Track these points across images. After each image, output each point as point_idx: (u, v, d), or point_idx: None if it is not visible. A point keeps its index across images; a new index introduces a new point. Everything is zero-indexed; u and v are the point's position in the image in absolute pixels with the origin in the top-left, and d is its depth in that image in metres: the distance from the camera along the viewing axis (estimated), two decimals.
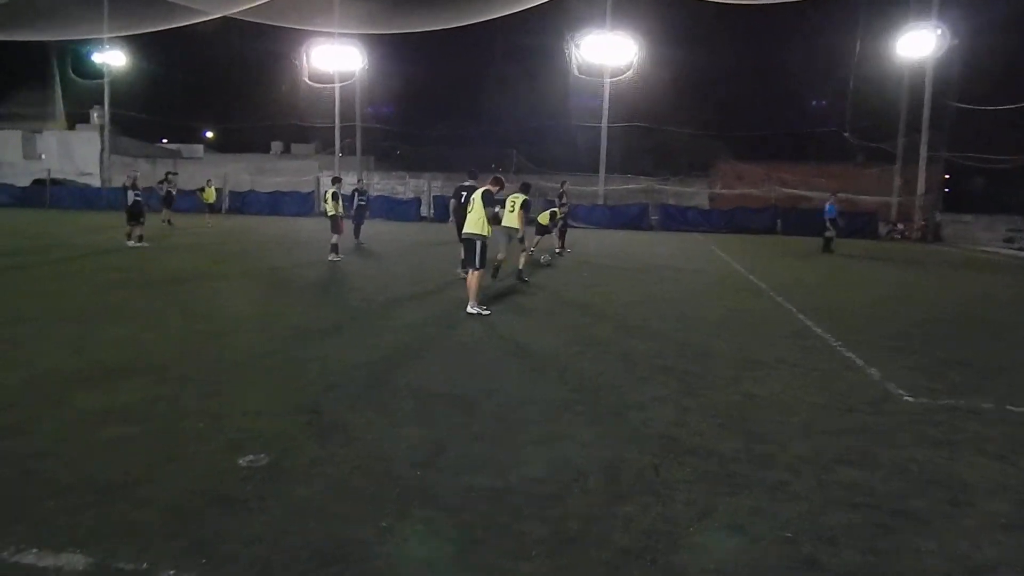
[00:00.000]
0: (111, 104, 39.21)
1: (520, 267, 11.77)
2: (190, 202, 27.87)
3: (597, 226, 29.09)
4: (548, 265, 14.11)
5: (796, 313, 9.23)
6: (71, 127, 44.73)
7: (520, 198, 11.41)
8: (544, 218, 14.31)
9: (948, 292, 13.06)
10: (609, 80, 31.39)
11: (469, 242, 8.44)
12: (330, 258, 13.99)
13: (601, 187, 31.88)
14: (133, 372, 5.48)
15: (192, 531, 3.02)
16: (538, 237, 13.96)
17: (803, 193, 30.84)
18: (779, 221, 29.44)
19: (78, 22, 34.55)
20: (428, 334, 7.37)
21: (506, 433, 4.36)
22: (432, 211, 31.77)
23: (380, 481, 3.57)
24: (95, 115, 42.75)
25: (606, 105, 31.68)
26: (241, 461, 3.76)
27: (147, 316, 7.89)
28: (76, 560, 2.76)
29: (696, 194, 33.83)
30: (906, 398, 5.32)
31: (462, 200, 12.37)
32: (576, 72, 31.61)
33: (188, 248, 16.60)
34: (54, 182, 36.31)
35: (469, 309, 8.36)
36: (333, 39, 33.79)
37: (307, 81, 34.66)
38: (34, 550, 2.82)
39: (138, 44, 39.17)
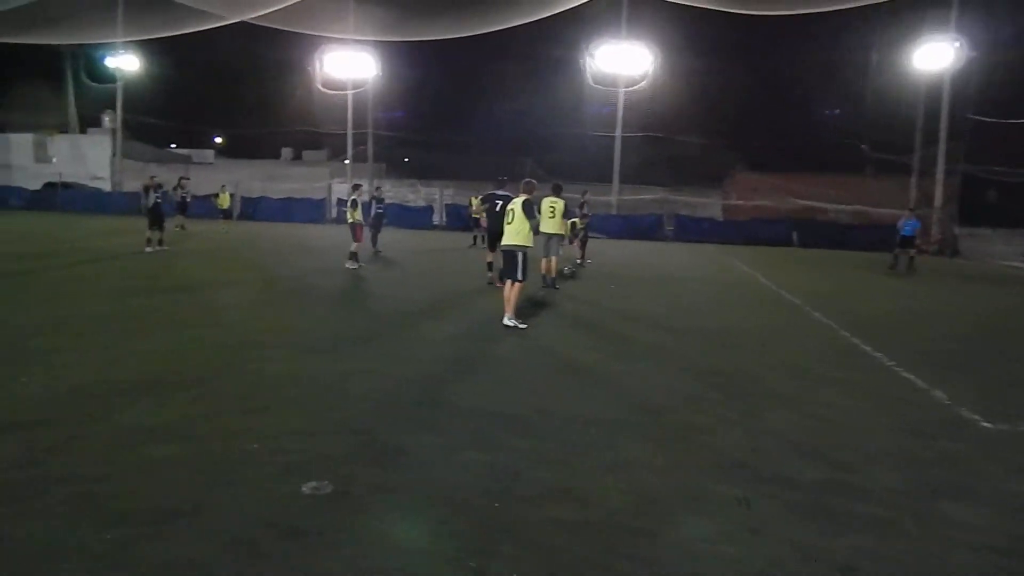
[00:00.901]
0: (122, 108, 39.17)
1: (552, 275, 11.60)
2: (203, 207, 27.75)
3: (611, 236, 28.86)
4: (572, 276, 13.89)
5: (838, 329, 8.97)
6: (82, 131, 44.75)
7: (560, 203, 11.26)
8: (565, 228, 14.09)
9: (981, 307, 12.78)
10: (624, 90, 31.22)
11: (510, 254, 8.20)
12: (348, 266, 13.78)
13: (614, 197, 31.66)
14: (171, 386, 5.26)
15: (263, 568, 2.79)
16: (563, 247, 13.74)
17: (818, 205, 30.56)
18: (795, 233, 29.18)
19: (93, 26, 34.56)
20: (468, 347, 7.14)
21: (574, 458, 4.12)
22: (444, 219, 31.58)
23: (456, 513, 3.34)
24: (106, 119, 42.75)
25: (620, 115, 31.51)
26: (304, 488, 3.53)
27: (177, 325, 7.68)
28: None
29: (710, 205, 33.58)
30: (983, 424, 5.06)
31: (496, 208, 12.21)
32: (590, 81, 31.44)
33: (206, 254, 16.42)
34: (65, 185, 36.24)
35: (506, 321, 8.13)
36: (347, 45, 33.72)
37: (320, 88, 34.57)
38: None
39: (150, 48, 39.15)
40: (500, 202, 12.03)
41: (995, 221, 29.81)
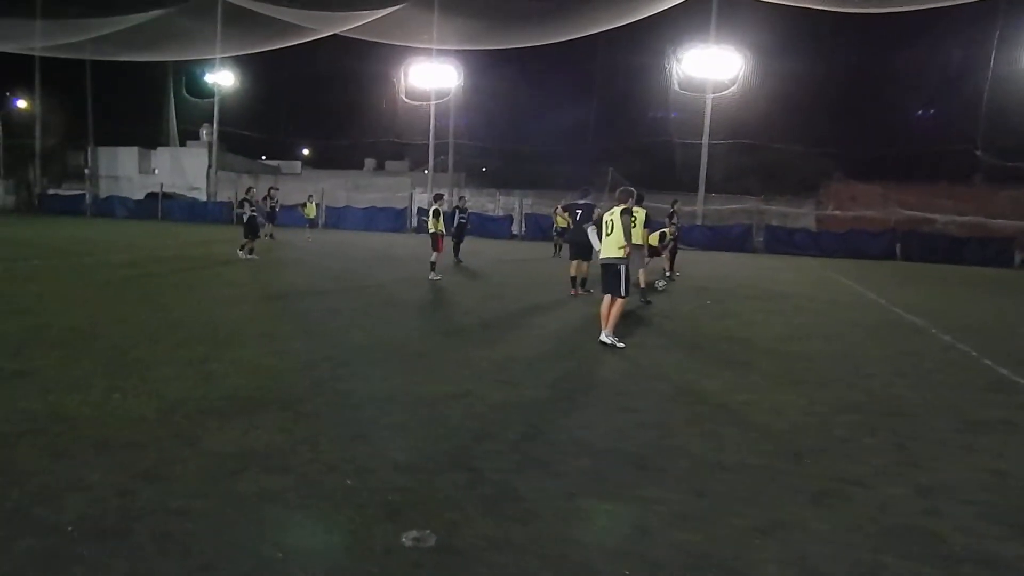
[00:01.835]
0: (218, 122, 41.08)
1: (643, 286, 10.93)
2: (291, 217, 28.53)
3: (697, 247, 27.72)
4: (663, 290, 13.15)
5: (980, 358, 7.91)
6: (182, 144, 47.31)
7: (642, 212, 10.58)
8: (654, 239, 13.31)
9: None
10: (712, 95, 30.04)
11: (611, 268, 7.63)
12: (431, 277, 13.54)
13: (700, 207, 30.45)
14: (264, 405, 4.99)
15: None
16: (648, 259, 13.01)
17: (926, 215, 28.33)
18: (898, 245, 27.12)
19: (193, 43, 36.40)
20: (565, 368, 6.62)
21: (714, 514, 3.52)
22: (524, 229, 31.27)
23: None
24: (204, 132, 44.98)
25: (707, 121, 30.31)
26: (405, 539, 3.10)
27: (269, 337, 7.52)
28: None
29: (803, 215, 31.77)
30: None
31: (577, 218, 11.68)
32: (677, 87, 30.44)
33: (294, 263, 16.65)
34: (165, 196, 38.25)
35: (603, 338, 7.57)
36: (430, 56, 34.07)
37: (404, 98, 35.07)
38: None
39: (243, 63, 40.92)
40: (580, 211, 11.53)
41: None
